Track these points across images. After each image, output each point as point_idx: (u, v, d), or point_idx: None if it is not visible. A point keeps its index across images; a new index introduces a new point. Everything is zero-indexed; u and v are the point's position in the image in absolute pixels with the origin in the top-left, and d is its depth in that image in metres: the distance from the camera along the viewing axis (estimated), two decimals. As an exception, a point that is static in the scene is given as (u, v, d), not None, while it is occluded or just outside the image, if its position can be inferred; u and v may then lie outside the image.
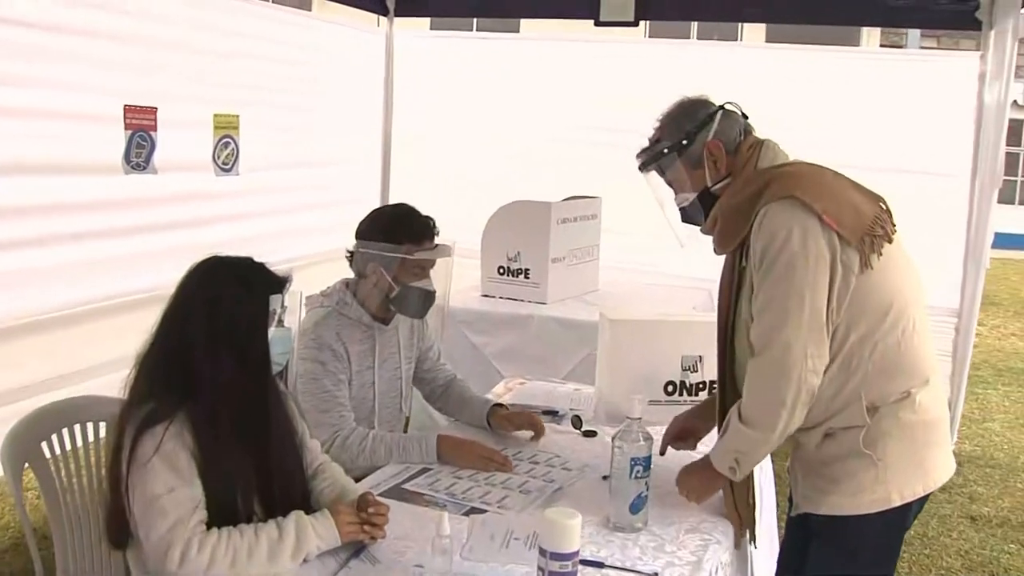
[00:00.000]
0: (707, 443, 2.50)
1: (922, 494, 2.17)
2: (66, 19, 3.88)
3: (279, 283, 2.08)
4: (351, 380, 2.82)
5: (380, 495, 2.33)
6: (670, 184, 2.40)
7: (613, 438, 2.25)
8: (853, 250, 2.08)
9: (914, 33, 15.25)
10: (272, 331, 2.04)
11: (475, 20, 10.10)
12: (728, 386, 2.32)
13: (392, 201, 5.79)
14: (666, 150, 2.34)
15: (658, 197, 2.47)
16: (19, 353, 3.81)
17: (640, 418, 2.23)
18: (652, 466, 2.26)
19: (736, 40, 12.25)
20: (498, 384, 3.57)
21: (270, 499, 2.07)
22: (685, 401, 2.99)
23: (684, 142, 2.31)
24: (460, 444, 2.68)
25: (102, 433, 2.52)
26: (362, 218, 2.92)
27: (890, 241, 2.14)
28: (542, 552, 1.79)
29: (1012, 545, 4.39)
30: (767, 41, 11.74)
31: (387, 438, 2.68)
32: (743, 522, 2.34)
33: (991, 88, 5.19)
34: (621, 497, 2.21)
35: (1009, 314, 10.80)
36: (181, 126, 4.51)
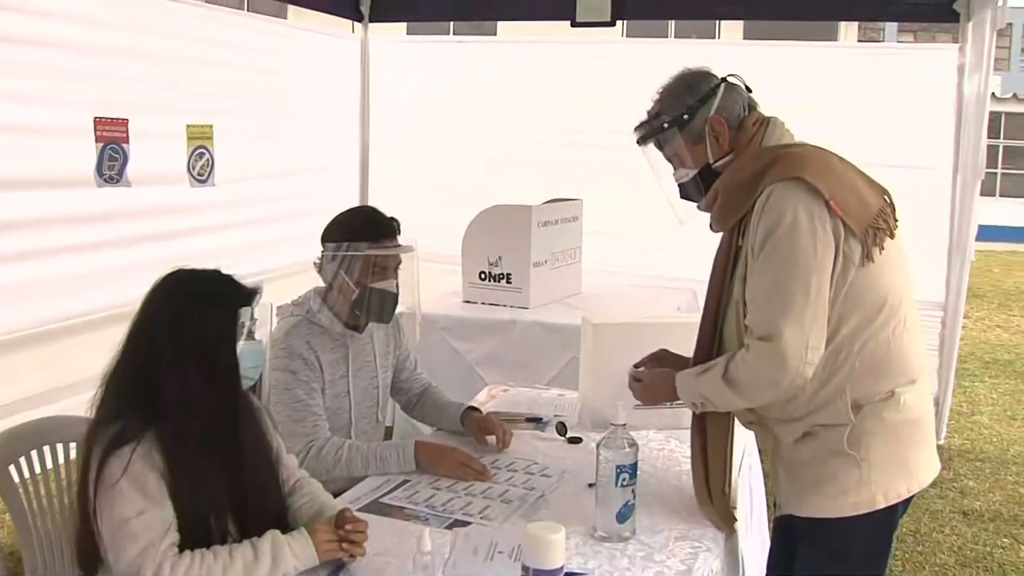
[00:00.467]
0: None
1: (907, 495, 2.12)
2: (31, 31, 3.82)
3: (247, 295, 2.01)
4: (324, 389, 2.76)
5: (359, 510, 2.27)
6: (669, 159, 2.32)
7: (598, 445, 2.20)
8: (856, 241, 2.02)
9: (891, 28, 15.31)
10: (241, 345, 1.97)
11: (451, 24, 10.04)
12: None
13: (372, 208, 5.76)
14: (666, 124, 2.25)
15: (656, 172, 2.39)
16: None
17: (624, 424, 2.18)
18: (639, 472, 2.20)
19: (714, 38, 12.24)
20: (481, 391, 3.51)
21: (245, 518, 2.00)
22: (672, 404, 2.93)
23: (685, 116, 2.23)
24: (438, 450, 2.63)
25: (72, 454, 2.44)
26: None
27: (892, 236, 2.09)
28: (525, 570, 1.73)
29: (1005, 539, 4.35)
30: (745, 38, 11.72)
31: (363, 447, 2.63)
32: (720, 516, 2.28)
33: (970, 80, 5.17)
34: (607, 506, 2.15)
35: (993, 306, 10.82)
36: (154, 137, 4.45)
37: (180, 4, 4.72)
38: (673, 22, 12.40)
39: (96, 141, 4.12)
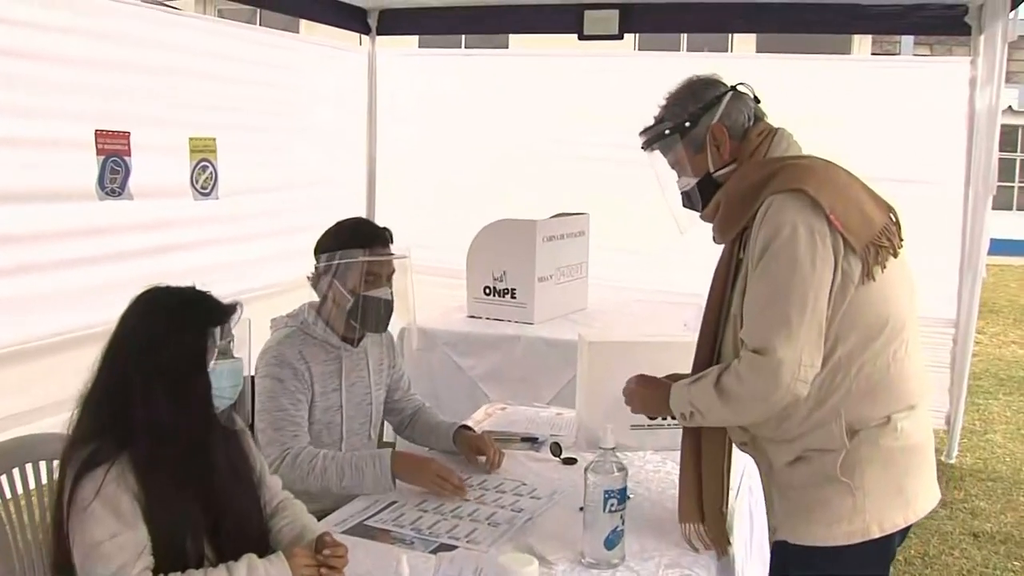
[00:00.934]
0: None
1: (903, 525, 2.05)
2: (31, 43, 3.80)
3: (221, 313, 1.96)
4: (314, 401, 2.73)
5: (344, 533, 2.24)
6: (672, 166, 2.29)
7: (586, 469, 2.14)
8: (856, 258, 1.97)
9: (907, 41, 15.20)
10: (217, 364, 1.93)
11: (463, 37, 10.02)
12: None
13: (379, 222, 5.73)
14: (668, 131, 2.22)
15: (660, 180, 2.35)
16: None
17: (614, 448, 2.12)
18: (631, 496, 2.15)
19: (726, 51, 12.18)
20: (479, 409, 3.46)
21: (222, 542, 1.96)
22: (669, 425, 2.87)
23: (687, 124, 2.19)
24: (416, 462, 2.59)
25: (56, 473, 2.41)
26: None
27: (895, 255, 2.03)
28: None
29: (1016, 563, 4.25)
30: (758, 51, 11.67)
31: (339, 457, 2.58)
32: (712, 536, 2.23)
33: (982, 93, 5.11)
34: (595, 531, 2.09)
35: (1009, 321, 10.68)
36: (156, 151, 4.43)
37: (180, 17, 4.71)
38: (685, 36, 12.37)
39: (97, 154, 4.10)
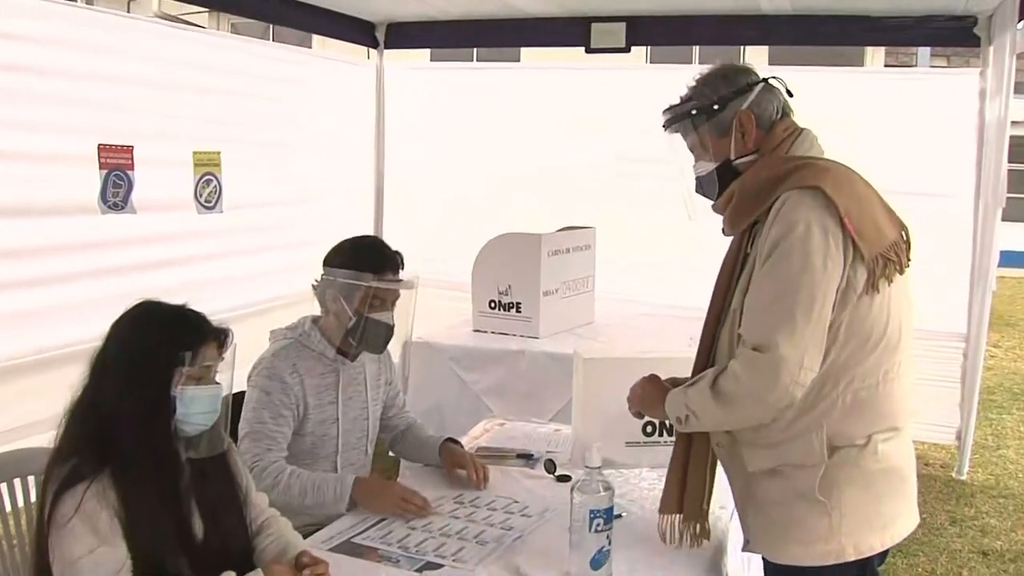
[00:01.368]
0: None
1: (880, 549, 2.01)
2: (33, 58, 3.82)
3: (206, 335, 1.95)
4: (307, 414, 2.71)
5: (330, 550, 2.22)
6: (691, 149, 2.24)
7: (572, 489, 2.11)
8: (863, 266, 1.93)
9: (924, 52, 15.12)
10: (194, 389, 1.90)
11: (475, 50, 10.04)
12: None
13: (386, 235, 5.72)
14: (694, 111, 2.18)
15: (677, 162, 2.30)
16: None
17: (599, 467, 2.09)
18: (620, 514, 2.12)
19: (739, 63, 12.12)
20: (477, 425, 3.43)
21: (204, 559, 1.94)
22: (665, 442, 2.83)
23: (715, 106, 2.15)
24: (377, 487, 2.55)
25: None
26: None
27: (901, 272, 1.99)
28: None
29: (1026, 581, 4.19)
30: (770, 64, 11.61)
31: (304, 475, 2.56)
32: (689, 530, 2.22)
33: (991, 104, 5.06)
34: (581, 552, 2.06)
35: (1024, 335, 10.56)
36: (160, 164, 4.44)
37: (184, 31, 4.72)
38: (698, 48, 12.32)
39: (100, 168, 4.12)
